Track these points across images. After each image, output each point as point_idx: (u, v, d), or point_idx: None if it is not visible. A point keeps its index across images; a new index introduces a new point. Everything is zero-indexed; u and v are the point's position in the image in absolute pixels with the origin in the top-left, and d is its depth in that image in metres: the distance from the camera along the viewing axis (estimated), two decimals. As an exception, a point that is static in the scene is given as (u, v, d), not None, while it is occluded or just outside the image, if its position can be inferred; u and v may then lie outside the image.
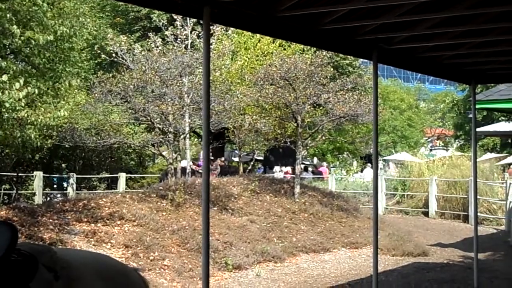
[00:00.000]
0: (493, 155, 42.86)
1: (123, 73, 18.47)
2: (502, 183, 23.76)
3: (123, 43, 19.38)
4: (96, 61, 30.55)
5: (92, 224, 13.61)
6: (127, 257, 12.64)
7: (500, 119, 39.35)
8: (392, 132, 57.46)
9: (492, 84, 19.27)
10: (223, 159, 29.87)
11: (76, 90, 20.73)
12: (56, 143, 21.94)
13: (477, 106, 15.12)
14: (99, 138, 20.78)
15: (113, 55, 19.48)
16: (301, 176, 21.46)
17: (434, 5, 7.41)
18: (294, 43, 25.21)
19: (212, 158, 29.69)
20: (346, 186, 30.57)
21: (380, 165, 49.88)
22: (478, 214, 20.95)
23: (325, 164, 43.24)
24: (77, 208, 14.37)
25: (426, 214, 25.19)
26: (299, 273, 14.06)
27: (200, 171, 26.25)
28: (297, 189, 19.18)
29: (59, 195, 24.59)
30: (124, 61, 19.16)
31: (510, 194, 19.81)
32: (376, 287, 8.92)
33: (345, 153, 48.39)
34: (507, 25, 8.31)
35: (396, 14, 7.36)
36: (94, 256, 3.76)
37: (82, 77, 26.50)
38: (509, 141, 40.75)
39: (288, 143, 21.12)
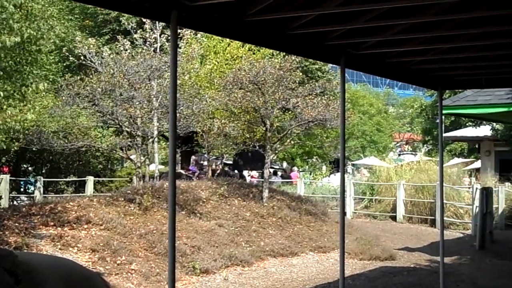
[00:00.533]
0: (461, 160, 43.27)
1: (91, 76, 18.34)
2: (469, 187, 23.98)
3: (91, 46, 19.25)
4: (64, 64, 30.30)
5: (59, 228, 13.51)
6: (94, 261, 12.56)
7: (467, 124, 39.72)
8: (361, 137, 57.80)
9: (460, 90, 19.46)
10: (218, 163, 30.13)
11: (43, 93, 20.52)
12: (23, 146, 21.72)
13: (444, 112, 15.26)
14: (66, 141, 20.61)
15: (82, 58, 19.35)
16: (269, 180, 21.47)
17: (402, 11, 7.45)
18: (263, 48, 25.23)
19: (204, 163, 29.92)
20: (315, 190, 30.67)
21: (350, 169, 50.21)
22: (445, 218, 21.17)
23: (296, 168, 43.39)
24: (43, 211, 14.25)
25: (394, 218, 25.35)
26: (267, 277, 14.06)
27: (190, 175, 26.27)
28: (266, 193, 19.20)
29: (25, 199, 24.38)
30: (92, 64, 19.04)
31: (476, 199, 20.00)
32: (343, 291, 8.93)
33: (315, 157, 48.56)
34: (473, 31, 8.39)
35: (364, 19, 7.39)
36: (58, 260, 3.72)
37: (50, 80, 26.25)
38: (476, 146, 41.09)
39: (257, 147, 21.14)
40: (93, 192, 24.64)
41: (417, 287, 12.75)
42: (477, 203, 19.59)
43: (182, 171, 27.77)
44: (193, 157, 30.74)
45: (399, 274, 14.19)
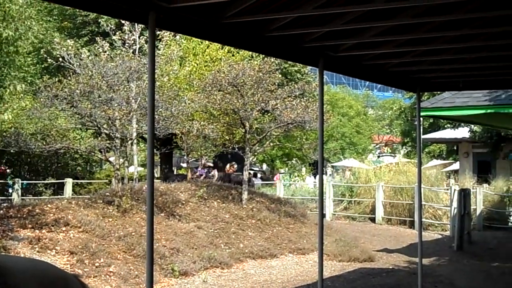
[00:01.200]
0: (439, 161, 43.51)
1: (69, 78, 18.26)
2: (447, 189, 24.12)
3: (70, 47, 19.16)
4: (42, 66, 30.12)
5: (37, 231, 13.43)
6: (72, 263, 12.49)
7: (446, 126, 39.91)
8: (340, 139, 57.96)
9: (438, 92, 19.57)
10: (234, 164, 29.64)
11: (21, 95, 20.41)
12: (1, 148, 21.59)
13: (423, 114, 15.33)
14: (45, 143, 20.50)
15: (60, 59, 19.25)
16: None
17: (380, 13, 7.48)
18: (242, 50, 25.25)
19: (211, 165, 29.15)
20: (294, 192, 30.71)
21: (329, 171, 50.33)
22: (424, 219, 21.29)
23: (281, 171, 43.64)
24: (21, 214, 14.16)
25: (373, 220, 25.44)
26: (246, 279, 14.06)
27: (197, 178, 25.90)
28: (245, 195, 19.20)
29: (3, 201, 24.21)
30: (71, 65, 18.95)
31: (454, 200, 20.11)
32: (322, 292, 8.96)
33: (294, 159, 48.63)
34: (451, 34, 8.44)
35: (342, 22, 7.41)
36: (33, 262, 3.71)
37: (28, 81, 26.13)
38: (455, 148, 41.33)
39: (236, 149, 21.13)
40: (72, 194, 24.52)
41: (396, 288, 12.81)
42: (455, 204, 19.70)
43: (190, 174, 27.27)
44: (202, 159, 29.73)
45: (377, 276, 14.23)
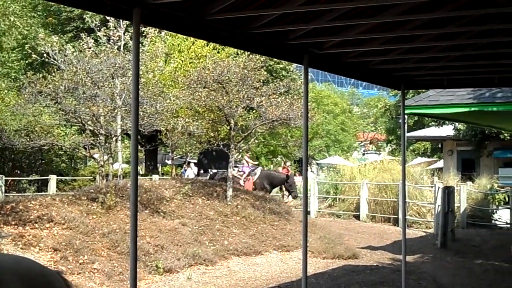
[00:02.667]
0: (424, 159, 43.66)
1: (54, 74, 18.18)
2: (431, 186, 24.22)
3: (54, 43, 19.09)
4: (26, 61, 30.02)
5: (20, 227, 13.38)
6: (56, 260, 12.45)
7: (430, 124, 40.04)
8: (325, 136, 58.02)
9: (423, 90, 19.63)
10: (287, 162, 29.28)
11: (5, 91, 20.31)
12: (-16, 145, 21.49)
13: (407, 111, 15.37)
14: (29, 139, 20.42)
15: (45, 55, 19.18)
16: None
17: (364, 11, 7.50)
18: (227, 47, 25.24)
19: (255, 163, 28.53)
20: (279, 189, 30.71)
21: (314, 169, 50.41)
22: (408, 217, 21.38)
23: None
24: (4, 211, 14.10)
25: (357, 217, 25.51)
26: (230, 276, 14.06)
27: (239, 176, 25.65)
28: (230, 192, 19.20)
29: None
30: (55, 61, 18.88)
31: (438, 198, 20.20)
32: (305, 289, 8.97)
33: (279, 156, 48.62)
34: (435, 32, 8.48)
35: (327, 19, 7.43)
36: (15, 259, 3.70)
37: (12, 77, 26.01)
38: (439, 145, 41.52)
39: (221, 146, 21.13)
40: (56, 191, 24.43)
41: (380, 285, 12.82)
42: (439, 202, 19.79)
43: (234, 172, 26.47)
44: (246, 156, 28.66)
45: (361, 273, 14.27)
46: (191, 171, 34.18)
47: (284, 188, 27.27)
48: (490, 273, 14.53)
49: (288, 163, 28.08)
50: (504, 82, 12.18)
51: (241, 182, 25.14)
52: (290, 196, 26.76)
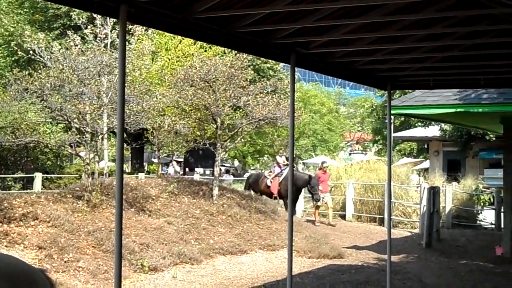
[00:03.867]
0: (410, 159, 43.79)
1: (40, 71, 18.11)
2: (417, 187, 24.30)
3: (41, 40, 19.03)
4: (12, 58, 29.90)
5: (5, 225, 13.31)
6: (41, 258, 12.40)
7: (417, 124, 40.17)
8: (312, 136, 58.07)
9: (410, 91, 19.70)
10: (326, 165, 25.52)
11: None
12: (-31, 142, 21.36)
13: (393, 112, 15.42)
14: (14, 137, 20.32)
15: (31, 52, 19.11)
16: (220, 178, 21.47)
17: (351, 11, 7.51)
18: (214, 45, 25.22)
19: (280, 159, 24.89)
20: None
21: (300, 168, 50.41)
22: (394, 217, 21.44)
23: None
24: (-11, 208, 14.03)
25: (343, 217, 25.54)
26: (216, 275, 14.06)
27: (268, 176, 23.98)
28: (216, 191, 19.19)
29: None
30: (41, 59, 18.82)
31: (424, 198, 20.27)
32: (291, 289, 8.98)
33: (266, 156, 48.65)
34: (421, 32, 8.50)
35: (314, 18, 7.43)
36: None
37: (-2, 74, 25.89)
38: (426, 146, 41.67)
39: (208, 145, 21.11)
40: (41, 189, 24.31)
41: (365, 284, 12.85)
42: (424, 202, 19.86)
43: (266, 173, 25.27)
44: (278, 156, 26.05)
45: (347, 272, 14.29)
46: (172, 169, 34.08)
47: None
48: (475, 273, 14.59)
49: (326, 164, 25.37)
50: (489, 83, 12.24)
51: (268, 182, 23.94)
52: (313, 199, 23.82)
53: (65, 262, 12.54)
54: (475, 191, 25.30)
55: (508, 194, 16.67)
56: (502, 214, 18.77)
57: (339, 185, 26.93)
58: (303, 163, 53.20)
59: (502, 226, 18.31)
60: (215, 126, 20.04)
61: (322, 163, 25.37)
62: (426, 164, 39.60)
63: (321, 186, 23.31)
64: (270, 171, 25.25)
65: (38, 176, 25.35)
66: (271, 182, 23.84)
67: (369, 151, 56.56)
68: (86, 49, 18.74)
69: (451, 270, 14.92)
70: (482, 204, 24.95)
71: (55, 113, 18.38)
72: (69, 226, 13.98)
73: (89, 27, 20.24)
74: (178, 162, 39.45)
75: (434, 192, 19.14)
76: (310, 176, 23.64)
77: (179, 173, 34.13)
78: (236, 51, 20.64)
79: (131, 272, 13.25)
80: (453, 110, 14.78)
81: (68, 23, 31.05)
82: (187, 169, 39.06)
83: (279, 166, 24.56)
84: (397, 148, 50.53)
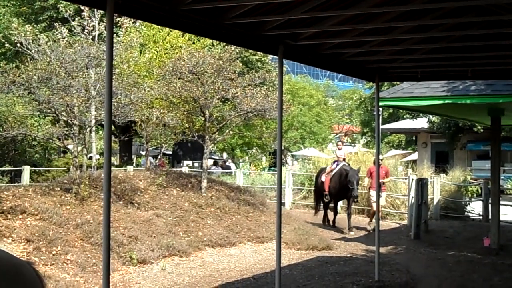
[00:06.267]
0: (398, 151, 43.94)
1: (27, 64, 18.04)
2: (405, 179, 24.36)
3: (28, 33, 18.92)
4: (0, 51, 29.75)
5: (-7, 218, 13.27)
6: (29, 251, 12.36)
7: (405, 116, 40.30)
8: (300, 128, 58.12)
9: (398, 83, 19.71)
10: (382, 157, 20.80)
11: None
12: (-44, 135, 21.28)
13: (381, 104, 15.42)
14: (1, 130, 20.26)
15: (18, 45, 19.02)
16: (208, 170, 21.45)
17: (339, 3, 7.52)
18: (203, 37, 25.17)
19: (340, 153, 21.64)
20: (254, 181, 30.74)
21: (289, 160, 50.51)
22: (382, 209, 21.45)
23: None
24: (-23, 201, 13.98)
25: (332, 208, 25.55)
26: (204, 267, 14.06)
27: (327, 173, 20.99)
28: (204, 184, 19.18)
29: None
30: (29, 51, 18.73)
31: (412, 190, 20.32)
32: (279, 280, 9.02)
33: (254, 148, 48.65)
34: (409, 24, 8.52)
35: (302, 10, 7.43)
36: (-15, 249, 3.66)
37: (-15, 67, 25.72)
38: (414, 138, 41.82)
39: (196, 137, 21.08)
40: (30, 182, 24.25)
41: (353, 276, 12.88)
42: (413, 194, 19.90)
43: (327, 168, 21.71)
44: (337, 149, 22.55)
45: (335, 264, 14.32)
46: (144, 161, 33.98)
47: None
48: (463, 264, 14.65)
49: (381, 157, 20.98)
50: (477, 75, 12.30)
51: (323, 178, 21.11)
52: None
53: (53, 255, 12.51)
54: (463, 182, 25.39)
55: (496, 185, 16.74)
56: (489, 205, 18.84)
57: (327, 177, 26.96)
58: (292, 155, 53.28)
59: (490, 217, 18.39)
60: (203, 119, 20.02)
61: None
62: (414, 156, 39.75)
63: (372, 182, 20.32)
64: (331, 169, 21.35)
65: (26, 169, 25.28)
66: (325, 177, 21.01)
67: (357, 143, 56.69)
68: (73, 42, 18.65)
69: (439, 261, 14.98)
70: (470, 195, 25.04)
71: (42, 106, 18.31)
72: (58, 219, 13.94)
73: (76, 19, 20.15)
74: (165, 154, 39.38)
75: (422, 184, 19.18)
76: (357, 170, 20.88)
77: (153, 164, 33.85)
78: (224, 43, 20.61)
79: (120, 264, 13.23)
80: (441, 101, 14.80)
81: (55, 15, 30.91)
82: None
83: (338, 161, 21.41)
84: (386, 140, 50.68)
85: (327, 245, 16.98)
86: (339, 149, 22.09)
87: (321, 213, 21.96)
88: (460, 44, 9.44)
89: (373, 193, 19.31)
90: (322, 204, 21.75)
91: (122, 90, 18.93)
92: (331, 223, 21.32)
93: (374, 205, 18.51)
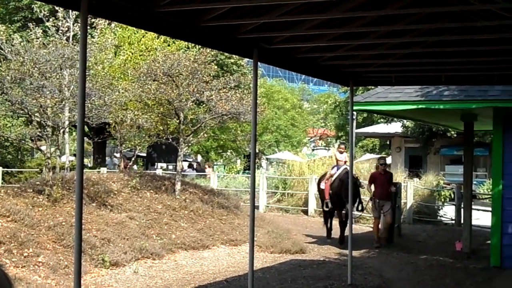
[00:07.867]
0: (372, 156, 44.09)
1: (0, 64, 17.89)
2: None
3: (1, 32, 18.78)
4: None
5: (-37, 219, 13.14)
6: (0, 253, 12.25)
7: (379, 121, 40.51)
8: (275, 131, 58.16)
9: (372, 87, 19.79)
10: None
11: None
12: None
13: (355, 108, 15.49)
14: (-27, 130, 20.08)
15: (-9, 45, 18.87)
16: (183, 173, 21.38)
17: (313, 6, 7.54)
18: (178, 40, 25.10)
19: (340, 156, 19.43)
20: (228, 183, 30.71)
21: (264, 164, 50.52)
22: (355, 213, 21.51)
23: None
24: None
25: (305, 212, 25.60)
26: (177, 270, 14.01)
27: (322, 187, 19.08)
28: (178, 186, 19.13)
29: None
30: (2, 51, 18.59)
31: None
32: (252, 283, 9.01)
33: (229, 151, 48.60)
34: (383, 29, 8.55)
35: (276, 14, 7.44)
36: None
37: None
38: (388, 142, 42.06)
39: (171, 139, 21.02)
40: (2, 183, 24.06)
41: (326, 279, 12.90)
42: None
43: (122, 164, 24.11)
44: (337, 152, 20.24)
45: (308, 267, 14.34)
46: (110, 161, 33.79)
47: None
48: (435, 268, 14.73)
49: (383, 161, 19.42)
50: (451, 80, 12.39)
51: (322, 185, 19.30)
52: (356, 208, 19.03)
53: (24, 257, 12.40)
54: (436, 187, 25.56)
55: (468, 190, 16.86)
56: (462, 210, 18.97)
57: (301, 180, 27.01)
58: (266, 159, 53.30)
59: (462, 221, 18.52)
60: (178, 121, 19.98)
61: (379, 159, 20.21)
62: (388, 160, 39.89)
63: (376, 189, 18.26)
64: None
65: (-2, 170, 25.11)
66: (324, 184, 19.15)
67: (332, 147, 56.86)
68: (48, 42, 18.53)
69: (411, 265, 15.05)
70: (442, 200, 25.22)
71: (15, 107, 18.17)
72: (29, 220, 13.83)
73: (51, 20, 20.03)
74: (139, 156, 39.22)
75: (395, 188, 19.26)
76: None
77: (117, 165, 33.54)
78: (199, 46, 20.58)
79: (92, 267, 13.15)
80: (414, 106, 14.89)
81: (29, 15, 30.72)
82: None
83: (337, 165, 19.33)
84: (360, 144, 50.86)
85: (300, 249, 16.99)
86: (340, 153, 19.78)
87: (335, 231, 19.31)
88: (434, 49, 9.51)
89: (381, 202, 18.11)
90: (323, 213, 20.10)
91: (96, 92, 18.83)
92: (338, 238, 18.51)
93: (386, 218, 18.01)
